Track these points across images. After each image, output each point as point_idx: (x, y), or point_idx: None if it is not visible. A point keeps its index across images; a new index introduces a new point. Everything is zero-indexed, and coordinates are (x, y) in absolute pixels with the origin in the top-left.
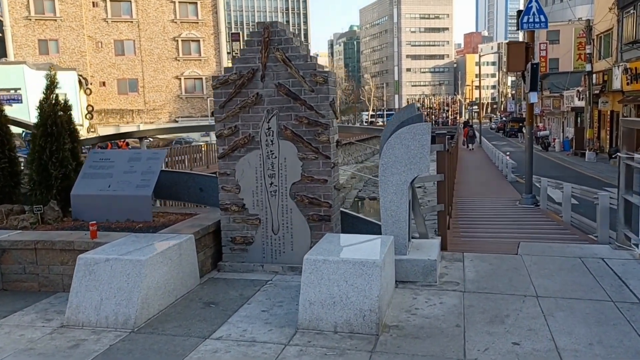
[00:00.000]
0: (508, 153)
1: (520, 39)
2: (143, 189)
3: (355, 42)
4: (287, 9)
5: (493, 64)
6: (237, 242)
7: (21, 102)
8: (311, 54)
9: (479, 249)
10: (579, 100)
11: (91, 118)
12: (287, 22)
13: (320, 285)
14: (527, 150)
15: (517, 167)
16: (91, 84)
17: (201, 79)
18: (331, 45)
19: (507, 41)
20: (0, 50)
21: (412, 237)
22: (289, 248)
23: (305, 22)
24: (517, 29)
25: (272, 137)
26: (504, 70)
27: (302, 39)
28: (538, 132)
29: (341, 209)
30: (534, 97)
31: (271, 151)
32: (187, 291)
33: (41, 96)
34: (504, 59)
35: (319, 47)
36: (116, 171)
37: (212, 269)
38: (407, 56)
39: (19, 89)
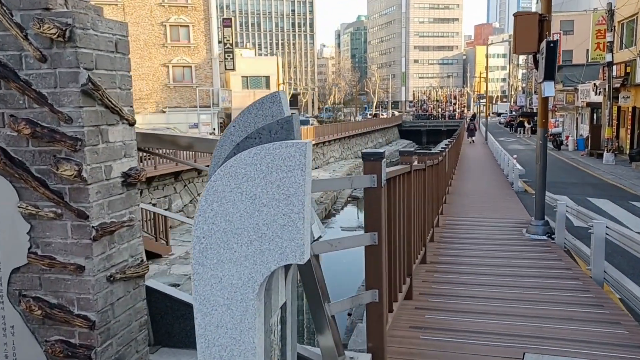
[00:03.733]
0: (515, 156)
1: None
2: None
3: (362, 33)
4: None
5: (504, 56)
6: None
7: None
8: (317, 44)
9: None
10: (595, 94)
11: None
12: (293, 11)
13: None
14: (539, 161)
15: (525, 170)
16: None
17: (190, 67)
18: (338, 36)
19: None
20: None
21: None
22: None
23: (312, 12)
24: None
25: None
26: (513, 52)
27: (308, 28)
28: (550, 129)
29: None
30: (549, 89)
31: None
32: None
33: None
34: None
35: (325, 37)
36: None
37: None
38: (415, 47)
39: None
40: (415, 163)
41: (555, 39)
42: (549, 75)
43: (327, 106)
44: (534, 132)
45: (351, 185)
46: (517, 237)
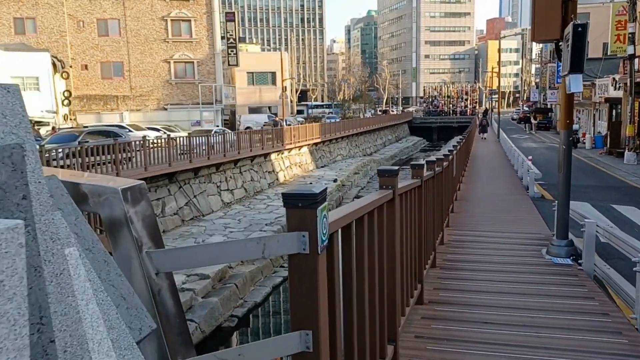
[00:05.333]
0: (530, 157)
1: None
2: None
3: (373, 28)
4: None
5: (516, 50)
6: None
7: None
8: (327, 39)
9: None
10: (615, 89)
11: (69, 104)
12: (302, 6)
13: None
14: (562, 169)
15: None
16: (71, 66)
17: (192, 62)
18: (348, 31)
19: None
20: None
21: None
22: None
23: (321, 7)
24: None
25: None
26: (531, 40)
27: (317, 24)
28: None
29: None
30: (576, 83)
31: None
32: None
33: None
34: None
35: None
36: None
37: None
38: (426, 42)
39: None
40: (399, 186)
41: (584, 22)
42: (576, 67)
43: (335, 102)
44: (539, 127)
45: (263, 253)
46: (536, 261)
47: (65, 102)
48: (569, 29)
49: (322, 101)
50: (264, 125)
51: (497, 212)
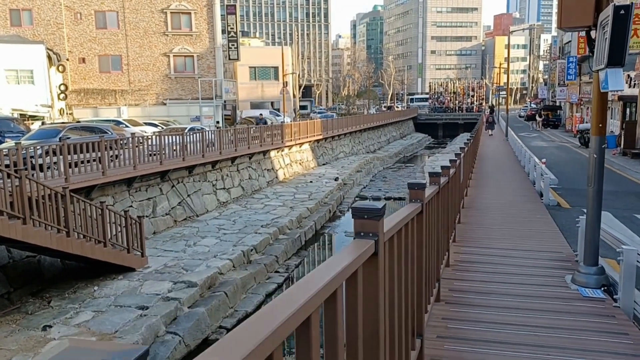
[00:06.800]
0: (544, 160)
1: (555, 25)
2: None
3: (378, 23)
4: None
5: (524, 47)
6: None
7: None
8: (332, 34)
9: None
10: (630, 87)
11: (65, 98)
12: (307, 0)
13: None
14: (593, 182)
15: (553, 172)
16: (68, 59)
17: (192, 56)
18: (354, 26)
19: (538, 23)
20: None
21: None
22: None
23: (326, 1)
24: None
25: None
26: (557, 27)
27: (323, 18)
28: (577, 125)
29: None
30: (615, 79)
31: None
32: None
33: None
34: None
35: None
36: None
37: None
38: (432, 37)
39: None
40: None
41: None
42: (616, 59)
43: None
44: (545, 124)
45: None
46: (560, 292)
47: (61, 96)
48: (608, 12)
49: (327, 97)
50: (240, 121)
51: (509, 224)
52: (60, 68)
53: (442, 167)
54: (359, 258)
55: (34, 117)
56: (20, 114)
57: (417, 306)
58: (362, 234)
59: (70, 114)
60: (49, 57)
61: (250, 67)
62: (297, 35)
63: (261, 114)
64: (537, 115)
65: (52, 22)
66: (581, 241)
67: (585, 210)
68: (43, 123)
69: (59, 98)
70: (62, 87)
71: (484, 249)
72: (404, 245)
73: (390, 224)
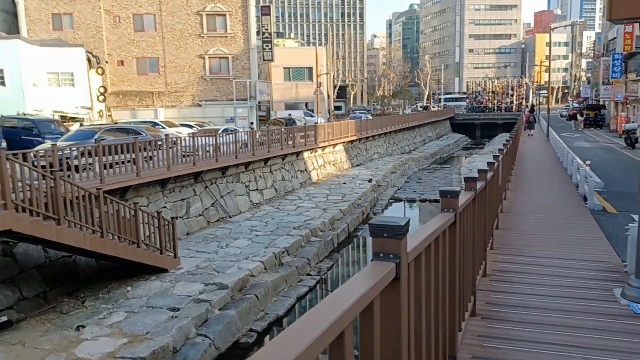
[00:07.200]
0: (588, 162)
1: (599, 22)
2: None
3: (415, 22)
4: None
5: (566, 44)
6: None
7: (4, 85)
8: (367, 34)
9: None
10: None
11: (104, 100)
12: (342, 0)
13: None
14: None
15: (597, 175)
16: (107, 62)
17: (227, 58)
18: (389, 26)
19: (581, 20)
20: (13, 27)
21: None
22: None
23: (362, 1)
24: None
25: None
26: (607, 19)
27: (358, 18)
28: (623, 125)
29: None
30: None
31: None
32: None
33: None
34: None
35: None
36: None
37: None
38: (470, 36)
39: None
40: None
41: None
42: None
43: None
44: (587, 124)
45: None
46: (609, 308)
47: (101, 98)
48: None
49: (362, 97)
50: (271, 121)
51: (550, 230)
52: (100, 70)
53: (479, 171)
54: (376, 286)
55: (74, 119)
56: (61, 116)
57: (450, 325)
58: (381, 255)
59: (109, 115)
60: (89, 60)
61: (284, 67)
62: (332, 35)
63: (290, 115)
64: (578, 114)
65: (92, 25)
66: (631, 251)
67: (635, 217)
68: (81, 125)
69: (98, 100)
70: (101, 89)
71: (523, 257)
72: (433, 263)
73: (416, 240)
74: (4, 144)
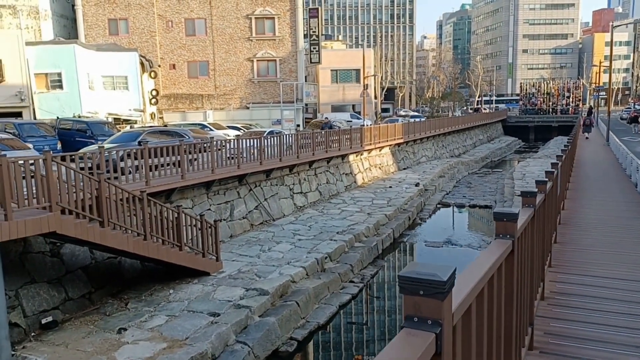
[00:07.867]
0: None
1: None
2: None
3: (466, 22)
4: None
5: (627, 43)
6: None
7: (61, 88)
8: (417, 35)
9: None
10: None
11: (156, 103)
12: (392, 2)
13: None
14: None
15: None
16: (159, 66)
17: (275, 60)
18: (440, 27)
19: None
20: (72, 32)
21: None
22: None
23: (412, 2)
24: None
25: None
26: None
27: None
28: None
29: None
30: None
31: None
32: None
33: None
34: None
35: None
36: None
37: None
38: (524, 36)
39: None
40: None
41: None
42: None
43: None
44: None
45: None
46: None
47: (153, 100)
48: None
49: (410, 99)
50: (313, 123)
51: (615, 245)
52: (152, 74)
53: (537, 183)
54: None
55: (127, 121)
56: (115, 118)
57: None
58: (415, 319)
59: (160, 117)
60: (142, 64)
61: (331, 70)
62: (381, 37)
63: (326, 118)
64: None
65: (146, 30)
66: None
67: None
68: (131, 127)
69: (150, 103)
70: (154, 92)
71: (586, 277)
72: (486, 310)
73: (464, 292)
74: (59, 146)
